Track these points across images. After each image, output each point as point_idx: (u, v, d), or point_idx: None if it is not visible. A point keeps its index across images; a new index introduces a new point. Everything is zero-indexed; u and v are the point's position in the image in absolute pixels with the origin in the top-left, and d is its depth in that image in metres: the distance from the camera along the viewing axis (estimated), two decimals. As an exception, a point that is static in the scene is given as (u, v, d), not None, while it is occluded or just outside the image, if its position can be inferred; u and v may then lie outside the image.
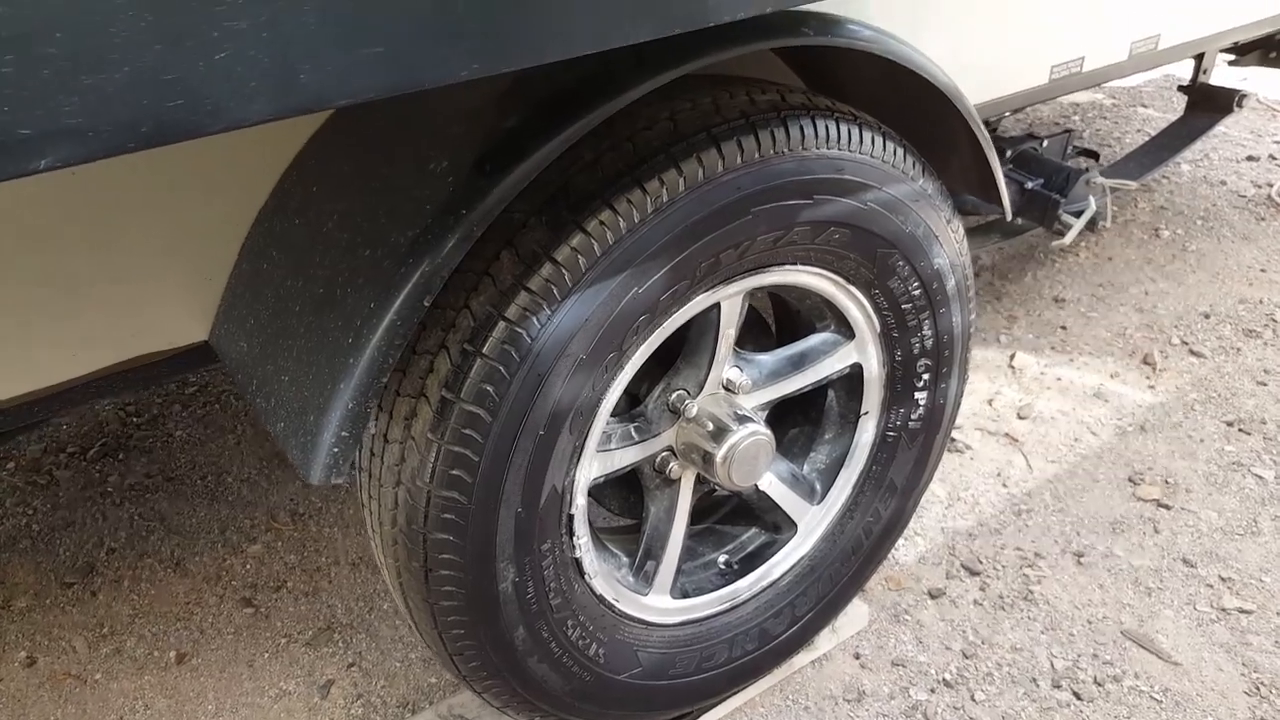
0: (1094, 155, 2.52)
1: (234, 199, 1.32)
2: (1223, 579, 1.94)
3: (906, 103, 1.49)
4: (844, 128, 1.33)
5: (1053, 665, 1.79)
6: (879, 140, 1.36)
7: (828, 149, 1.30)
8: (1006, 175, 2.36)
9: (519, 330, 1.15)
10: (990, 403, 2.43)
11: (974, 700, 1.74)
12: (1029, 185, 2.29)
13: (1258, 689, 1.72)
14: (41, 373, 1.30)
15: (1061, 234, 2.24)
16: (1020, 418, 2.38)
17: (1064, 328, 2.67)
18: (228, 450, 2.41)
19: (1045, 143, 2.39)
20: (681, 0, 0.81)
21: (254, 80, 0.67)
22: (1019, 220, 2.35)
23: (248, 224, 1.34)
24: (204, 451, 2.41)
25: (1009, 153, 2.37)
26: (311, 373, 1.16)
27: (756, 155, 1.24)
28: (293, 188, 1.30)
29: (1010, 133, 2.51)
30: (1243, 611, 1.86)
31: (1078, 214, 2.27)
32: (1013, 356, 2.58)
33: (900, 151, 1.39)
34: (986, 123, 2.40)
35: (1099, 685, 1.75)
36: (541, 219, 1.18)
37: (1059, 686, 1.75)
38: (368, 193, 1.20)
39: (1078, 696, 1.73)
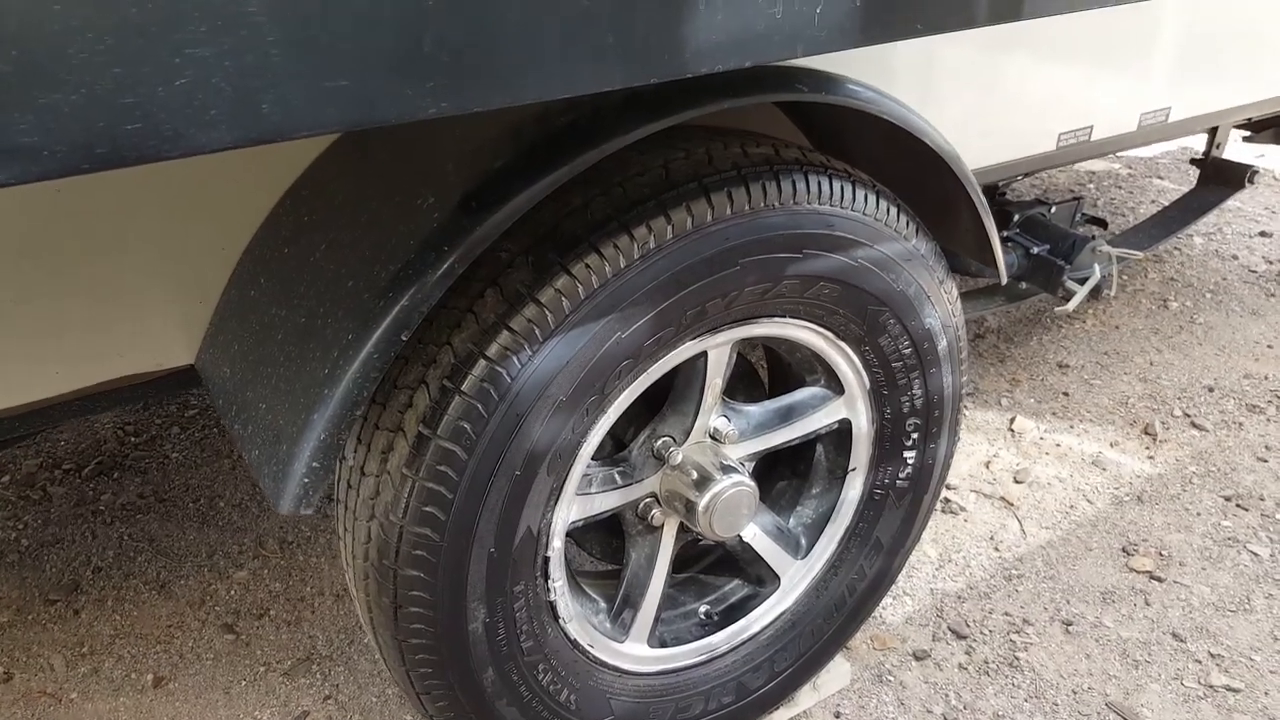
0: (1102, 223, 2.52)
1: (227, 223, 1.33)
2: (1212, 655, 1.89)
3: (907, 164, 1.50)
4: (837, 184, 1.33)
5: (1037, 737, 1.75)
6: (872, 198, 1.37)
7: (819, 204, 1.31)
8: (1013, 239, 2.37)
9: (499, 369, 1.15)
10: (988, 465, 2.40)
11: (955, 769, 1.70)
12: (1035, 250, 2.29)
13: (1246, 773, 1.67)
14: (24, 388, 1.31)
15: (1066, 300, 2.24)
16: (1017, 482, 2.35)
17: (1066, 394, 2.65)
18: (222, 474, 2.41)
19: (1054, 209, 2.39)
20: (656, 50, 0.82)
21: (214, 109, 0.68)
22: (1024, 284, 2.35)
23: (240, 249, 1.36)
24: (198, 474, 2.42)
25: (1017, 217, 2.37)
26: (287, 402, 1.16)
27: (747, 207, 1.24)
28: (286, 215, 1.32)
29: (1022, 197, 2.52)
30: (1230, 690, 1.81)
31: (1082, 281, 2.26)
32: (1013, 420, 2.56)
33: (894, 210, 1.40)
34: (995, 186, 2.41)
35: (1083, 761, 1.70)
36: (528, 259, 1.18)
37: (1042, 760, 1.71)
38: (356, 224, 1.21)
39: (1061, 771, 1.69)
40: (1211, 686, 1.82)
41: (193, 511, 2.31)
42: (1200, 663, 1.87)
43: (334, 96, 0.71)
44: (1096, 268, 2.28)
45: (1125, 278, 3.09)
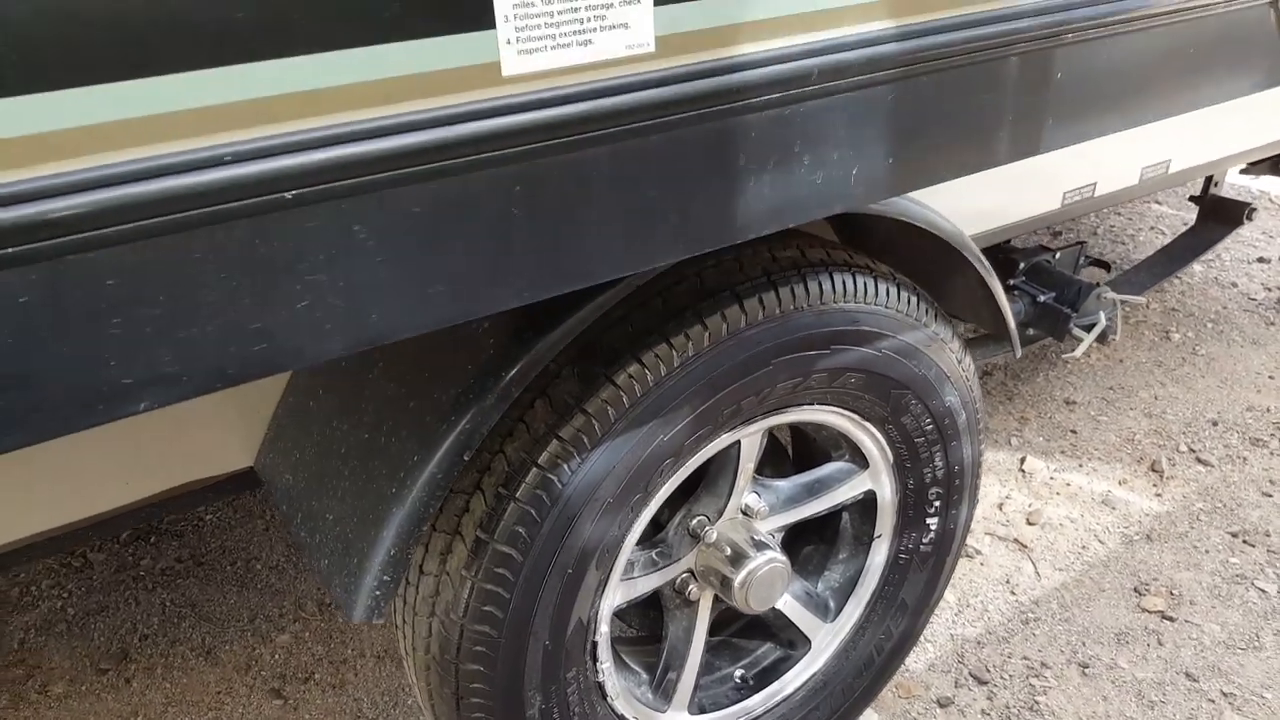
0: (1106, 266, 2.60)
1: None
2: (1224, 694, 1.97)
3: (922, 247, 1.57)
4: (860, 281, 1.41)
5: (1059, 781, 1.83)
6: (894, 291, 1.44)
7: (845, 302, 1.38)
8: (1019, 287, 2.43)
9: (551, 476, 1.23)
10: (1000, 507, 2.47)
11: (982, 816, 1.77)
12: (1041, 299, 2.36)
13: (1261, 813, 1.75)
14: (96, 500, 1.38)
15: (1073, 348, 2.31)
16: (1030, 523, 2.42)
17: (1074, 431, 2.72)
18: (256, 536, 2.48)
19: (1058, 254, 2.46)
20: (710, 226, 0.89)
21: (329, 323, 0.75)
22: (1031, 331, 2.42)
23: (298, 360, 1.43)
24: (233, 537, 2.49)
25: (1022, 265, 2.44)
26: (355, 516, 1.23)
27: (778, 311, 1.32)
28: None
29: (1024, 243, 2.59)
30: (1246, 731, 1.89)
31: (1089, 328, 2.33)
32: (1023, 460, 2.63)
33: (914, 300, 1.47)
34: (1008, 241, 2.47)
35: (1104, 805, 1.78)
36: (574, 371, 1.26)
37: (1065, 805, 1.78)
38: (413, 346, 1.28)
39: (1084, 816, 1.76)
40: (1225, 727, 1.90)
41: (231, 575, 2.38)
42: (1213, 702, 1.95)
43: (432, 300, 0.78)
44: (1102, 315, 2.35)
45: (1128, 309, 3.16)
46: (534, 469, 1.23)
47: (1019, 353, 1.65)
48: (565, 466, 1.23)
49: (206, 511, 2.59)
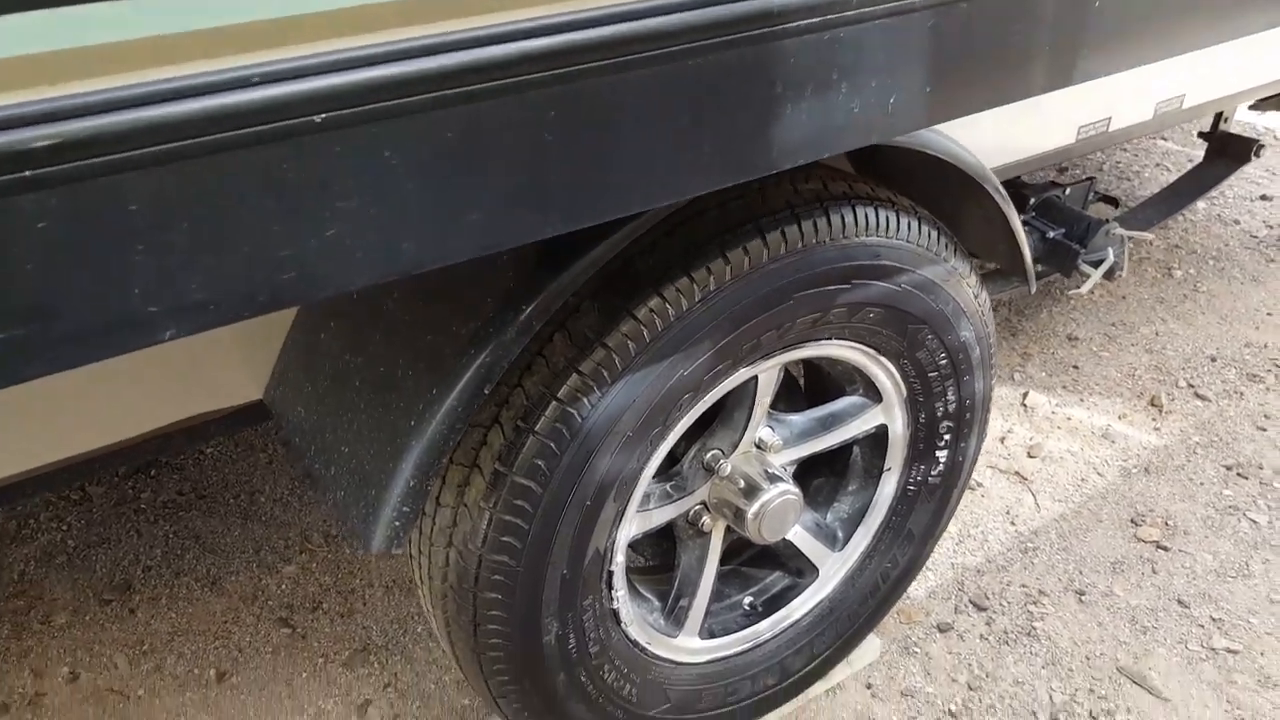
0: (1114, 202, 2.57)
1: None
2: (1214, 619, 2.02)
3: (940, 180, 1.54)
4: (882, 214, 1.38)
5: (1051, 699, 1.88)
6: (915, 225, 1.42)
7: (867, 236, 1.36)
8: (1029, 223, 2.41)
9: (570, 410, 1.22)
10: (1003, 440, 2.49)
11: (979, 736, 1.83)
12: (1050, 235, 2.34)
13: (1244, 729, 1.81)
14: (102, 433, 1.36)
15: (1079, 284, 2.30)
16: (1030, 456, 2.45)
17: (1076, 367, 2.74)
18: (259, 469, 2.48)
19: (1068, 190, 2.43)
20: (746, 155, 0.87)
21: (360, 251, 0.73)
22: (1039, 267, 2.40)
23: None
24: (235, 469, 2.48)
25: (1032, 200, 2.41)
26: (373, 449, 1.22)
27: (800, 245, 1.30)
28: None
29: (1033, 179, 2.56)
30: (1230, 651, 1.95)
31: (1097, 264, 2.32)
32: (1025, 395, 2.65)
33: (934, 234, 1.45)
34: (1018, 176, 2.44)
35: (1094, 719, 1.84)
36: (594, 305, 1.24)
37: (1058, 722, 1.84)
38: (429, 276, 1.25)
39: (1077, 734, 1.82)
40: (1213, 649, 1.95)
41: (234, 507, 2.38)
42: (1203, 627, 2.00)
43: (465, 229, 0.76)
44: (1110, 251, 2.33)
45: (1134, 245, 3.15)
46: (553, 403, 1.22)
47: (1034, 288, 1.64)
48: (585, 400, 1.22)
49: (207, 445, 2.57)
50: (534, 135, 0.76)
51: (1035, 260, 2.41)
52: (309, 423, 1.37)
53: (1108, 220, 2.32)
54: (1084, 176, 2.41)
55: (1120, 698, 1.87)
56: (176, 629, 2.09)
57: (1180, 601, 2.07)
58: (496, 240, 0.80)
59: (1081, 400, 2.63)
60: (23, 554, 2.28)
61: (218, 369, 1.45)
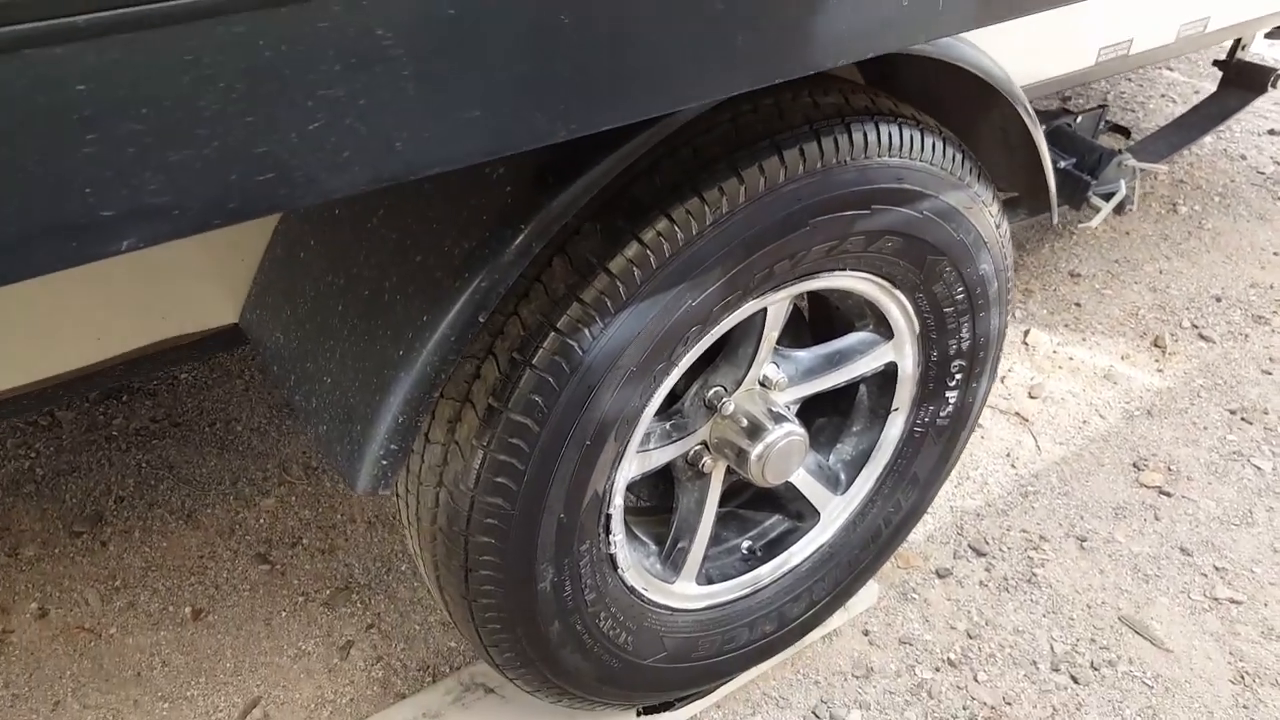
0: (1125, 132, 2.48)
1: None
2: (1217, 569, 1.99)
3: (963, 96, 1.44)
4: (906, 133, 1.28)
5: (1052, 649, 1.85)
6: (939, 146, 1.32)
7: (889, 157, 1.27)
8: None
9: (570, 342, 1.13)
10: (1003, 380, 2.44)
11: (976, 680, 1.80)
12: (1061, 165, 2.25)
13: (1242, 677, 1.78)
14: (67, 357, 1.26)
15: (1089, 217, 2.22)
16: (1031, 397, 2.39)
17: (1078, 304, 2.67)
18: (236, 397, 2.38)
19: (1079, 119, 2.34)
20: (783, 52, 0.76)
21: (348, 150, 0.63)
22: (1046, 198, 2.32)
23: (284, 207, 1.29)
24: (211, 397, 2.38)
25: (1042, 128, 2.31)
26: (358, 380, 1.13)
27: (819, 165, 1.20)
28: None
29: (1042, 106, 2.46)
30: (1233, 601, 1.92)
31: (1107, 196, 2.24)
32: (1027, 333, 2.58)
33: (958, 157, 1.36)
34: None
35: (1095, 670, 1.81)
36: (596, 227, 1.14)
37: (1058, 670, 1.81)
38: (417, 191, 1.15)
39: (1075, 680, 1.79)
40: (1216, 599, 1.92)
41: (210, 436, 2.28)
42: (1206, 576, 1.97)
43: (467, 128, 0.65)
44: (1122, 183, 2.25)
45: (1142, 178, 3.07)
46: (552, 333, 1.13)
47: (1056, 217, 1.55)
48: (586, 332, 1.13)
49: (181, 370, 2.47)
50: (548, 18, 0.66)
51: (1046, 193, 2.32)
52: (288, 350, 1.27)
53: (1120, 151, 2.23)
54: (1096, 104, 2.31)
55: (1122, 648, 1.84)
56: (150, 564, 2.01)
57: (1183, 549, 2.03)
58: (501, 144, 0.69)
59: (1084, 339, 2.56)
60: (-12, 483, 2.18)
61: (189, 290, 1.35)
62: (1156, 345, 2.54)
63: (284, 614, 1.91)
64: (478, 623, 1.32)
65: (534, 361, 1.13)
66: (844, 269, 1.36)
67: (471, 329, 1.07)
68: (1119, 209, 2.21)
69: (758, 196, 1.16)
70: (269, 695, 1.77)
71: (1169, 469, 2.21)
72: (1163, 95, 3.57)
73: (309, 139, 0.63)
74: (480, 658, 1.42)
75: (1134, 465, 2.22)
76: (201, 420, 2.32)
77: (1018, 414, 2.35)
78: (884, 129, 1.26)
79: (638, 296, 1.14)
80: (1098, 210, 2.20)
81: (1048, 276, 2.77)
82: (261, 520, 2.09)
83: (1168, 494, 2.15)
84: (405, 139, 0.66)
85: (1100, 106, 2.36)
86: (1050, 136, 2.32)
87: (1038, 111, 2.37)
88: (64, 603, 1.93)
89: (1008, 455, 2.25)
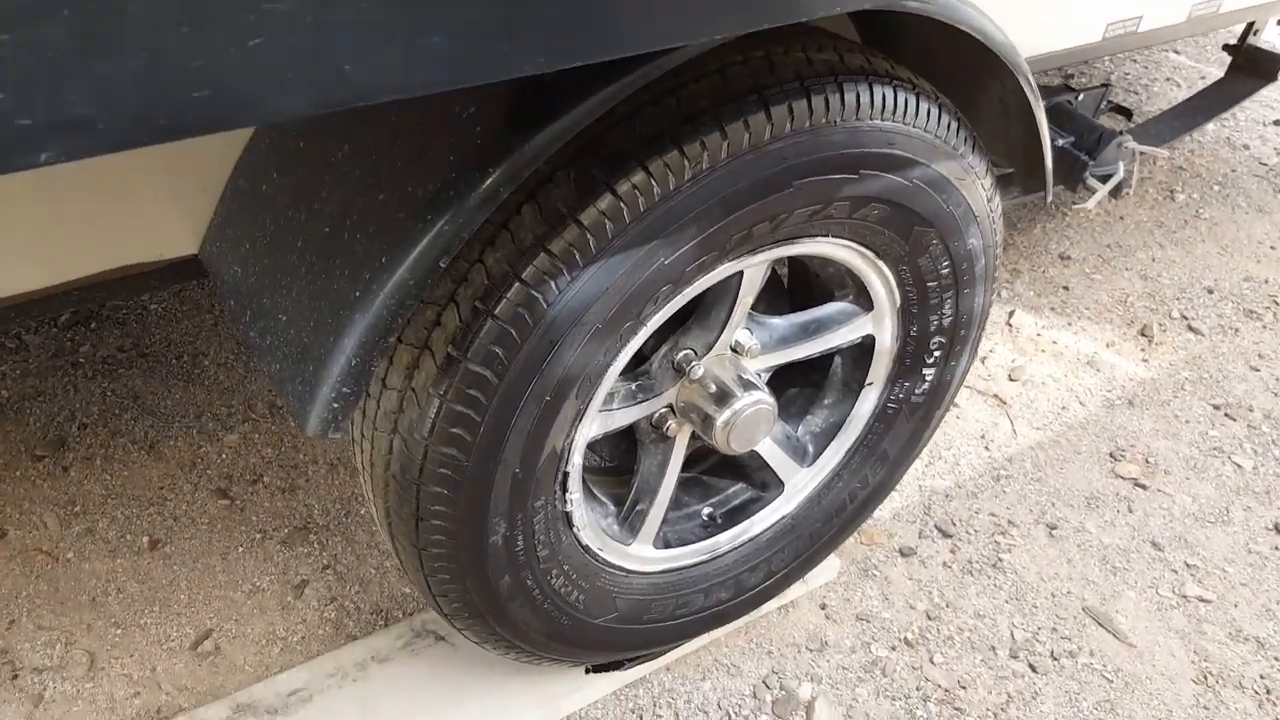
0: (1127, 113, 2.43)
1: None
2: (1188, 565, 1.98)
3: (959, 61, 1.39)
4: (901, 97, 1.24)
5: (1013, 635, 1.84)
6: (934, 112, 1.28)
7: (882, 120, 1.22)
8: (1038, 128, 2.26)
9: (535, 294, 1.09)
10: (984, 360, 2.41)
11: (932, 662, 1.79)
12: (1059, 143, 2.20)
13: (1205, 678, 1.78)
14: (17, 279, 1.22)
15: (1085, 198, 2.17)
16: (1011, 379, 2.37)
17: (1066, 288, 2.63)
18: (204, 330, 2.33)
19: (1080, 96, 2.28)
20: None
21: (291, 72, 0.58)
22: (1043, 178, 2.27)
23: (246, 134, 1.24)
24: (179, 329, 2.34)
25: (1042, 104, 2.26)
26: (313, 319, 1.09)
27: (808, 123, 1.15)
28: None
29: (1044, 82, 2.40)
30: (1202, 600, 1.91)
31: (1104, 178, 2.19)
32: (1011, 314, 2.55)
33: (954, 126, 1.31)
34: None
35: (1054, 660, 1.80)
36: (569, 175, 1.09)
37: (1016, 657, 1.80)
38: (386, 126, 1.10)
39: (1033, 669, 1.79)
40: (1185, 596, 1.91)
41: (176, 369, 2.25)
42: (1176, 572, 1.96)
43: (424, 56, 0.61)
44: (1121, 165, 2.20)
45: (1142, 161, 3.02)
46: (517, 284, 1.09)
47: (1050, 196, 1.51)
48: (552, 284, 1.09)
49: (151, 300, 2.42)
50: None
51: (1043, 172, 2.27)
52: (246, 284, 1.23)
53: (1120, 132, 2.18)
54: (1099, 83, 2.26)
55: (1084, 639, 1.83)
56: (110, 491, 1.98)
57: (1154, 544, 2.02)
58: (460, 74, 0.65)
59: (1069, 324, 2.53)
60: (-49, 402, 2.14)
61: (149, 217, 1.30)
62: (1144, 334, 2.51)
63: (241, 550, 1.89)
64: (427, 572, 1.29)
65: (496, 312, 1.09)
66: (826, 235, 1.32)
67: (432, 274, 1.03)
68: (1115, 192, 2.17)
69: (741, 153, 1.12)
70: (220, 628, 1.76)
71: (1147, 461, 2.19)
72: (1168, 78, 3.51)
73: (248, 56, 0.58)
74: (430, 606, 1.40)
75: (1111, 455, 2.20)
76: (169, 352, 2.28)
77: (996, 396, 2.32)
78: (878, 90, 1.21)
79: (608, 251, 1.10)
80: (1093, 192, 2.16)
81: (1037, 257, 2.73)
82: (224, 456, 2.06)
83: (1143, 486, 2.13)
84: (354, 61, 0.61)
85: (1103, 85, 2.30)
86: (1050, 113, 2.26)
87: (1039, 87, 2.31)
88: (23, 524, 1.90)
89: (982, 437, 2.23)
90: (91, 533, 1.90)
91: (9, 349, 2.26)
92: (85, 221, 1.25)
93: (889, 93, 1.22)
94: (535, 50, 0.65)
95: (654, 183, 1.09)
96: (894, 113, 1.22)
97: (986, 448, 2.20)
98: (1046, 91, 2.31)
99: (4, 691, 1.64)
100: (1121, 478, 2.14)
